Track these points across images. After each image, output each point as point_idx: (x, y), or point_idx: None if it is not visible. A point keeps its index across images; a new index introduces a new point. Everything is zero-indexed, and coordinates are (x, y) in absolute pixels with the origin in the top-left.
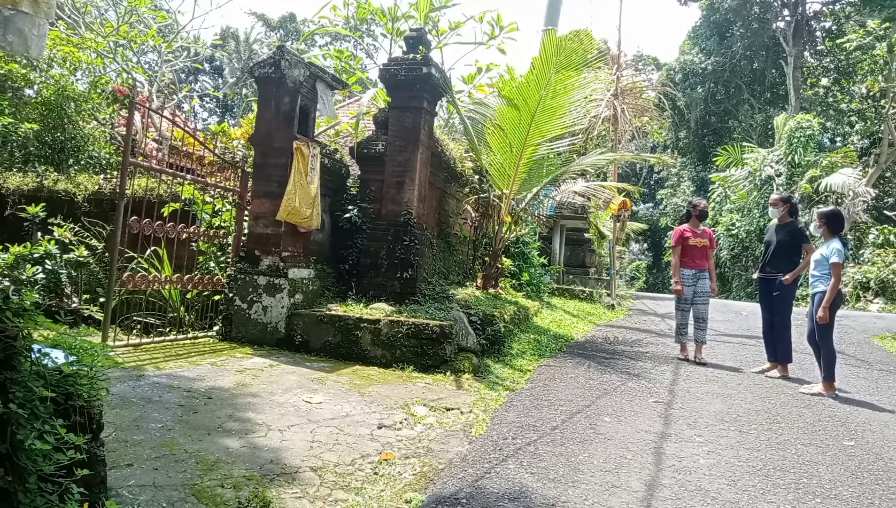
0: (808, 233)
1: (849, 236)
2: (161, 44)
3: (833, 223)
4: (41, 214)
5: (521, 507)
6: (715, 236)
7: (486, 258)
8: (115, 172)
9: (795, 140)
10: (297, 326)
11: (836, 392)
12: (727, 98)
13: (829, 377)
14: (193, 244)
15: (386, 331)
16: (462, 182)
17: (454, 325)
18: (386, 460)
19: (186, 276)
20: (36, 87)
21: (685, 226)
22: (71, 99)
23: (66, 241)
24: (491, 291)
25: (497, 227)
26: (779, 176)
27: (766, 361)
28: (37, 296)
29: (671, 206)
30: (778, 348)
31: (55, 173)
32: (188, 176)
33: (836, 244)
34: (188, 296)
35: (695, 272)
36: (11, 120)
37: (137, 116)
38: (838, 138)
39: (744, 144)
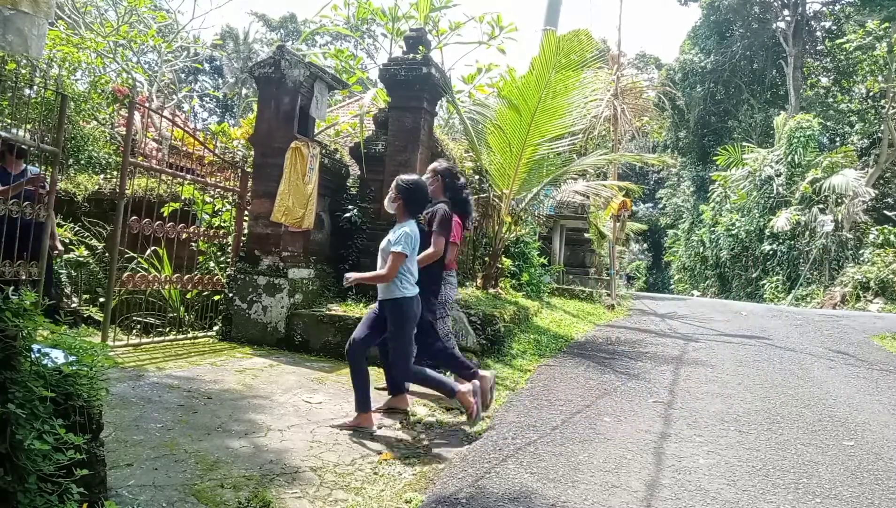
0: (445, 216)
1: (847, 237)
2: (161, 44)
3: (412, 199)
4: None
5: (521, 507)
6: (460, 223)
7: (486, 258)
8: (115, 172)
9: (795, 140)
10: (296, 326)
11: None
12: (727, 98)
13: (361, 407)
14: (193, 244)
15: None
16: None
17: (454, 325)
18: (386, 460)
19: (186, 276)
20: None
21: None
22: (70, 99)
23: (66, 241)
24: (491, 291)
25: (497, 227)
26: (778, 176)
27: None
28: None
29: (671, 206)
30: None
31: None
32: (188, 176)
33: (407, 228)
34: (188, 296)
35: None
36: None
37: (137, 116)
38: (838, 138)
39: (744, 144)
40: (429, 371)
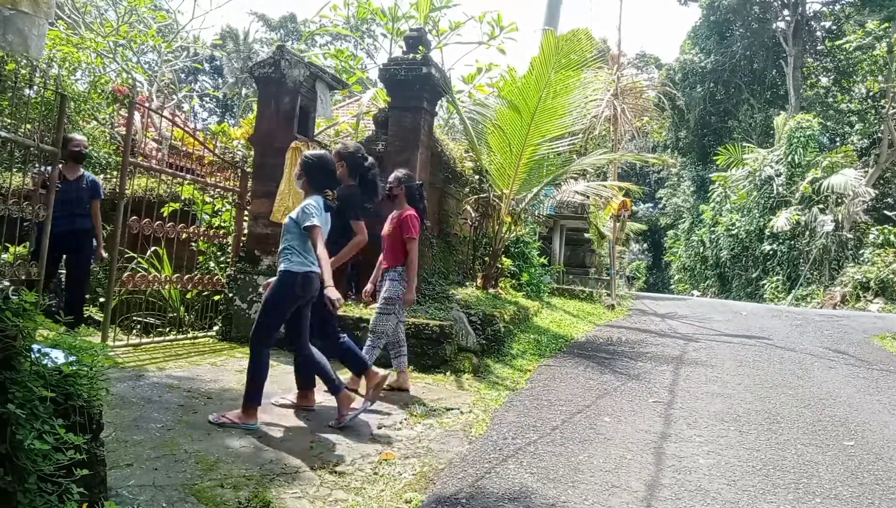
0: (363, 202)
1: (847, 237)
2: (161, 44)
3: (313, 173)
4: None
5: (521, 507)
6: (416, 217)
7: (486, 258)
8: (115, 172)
9: (795, 140)
10: None
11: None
12: (727, 98)
13: (251, 401)
14: (193, 244)
15: None
16: (462, 182)
17: (454, 325)
18: (386, 460)
19: (186, 276)
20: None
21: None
22: (70, 99)
23: None
24: (491, 291)
25: (497, 227)
26: (779, 176)
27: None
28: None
29: (671, 206)
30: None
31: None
32: (188, 176)
33: (311, 200)
34: (188, 296)
35: (383, 273)
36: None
37: (137, 116)
38: (838, 138)
39: (744, 144)
40: (265, 365)
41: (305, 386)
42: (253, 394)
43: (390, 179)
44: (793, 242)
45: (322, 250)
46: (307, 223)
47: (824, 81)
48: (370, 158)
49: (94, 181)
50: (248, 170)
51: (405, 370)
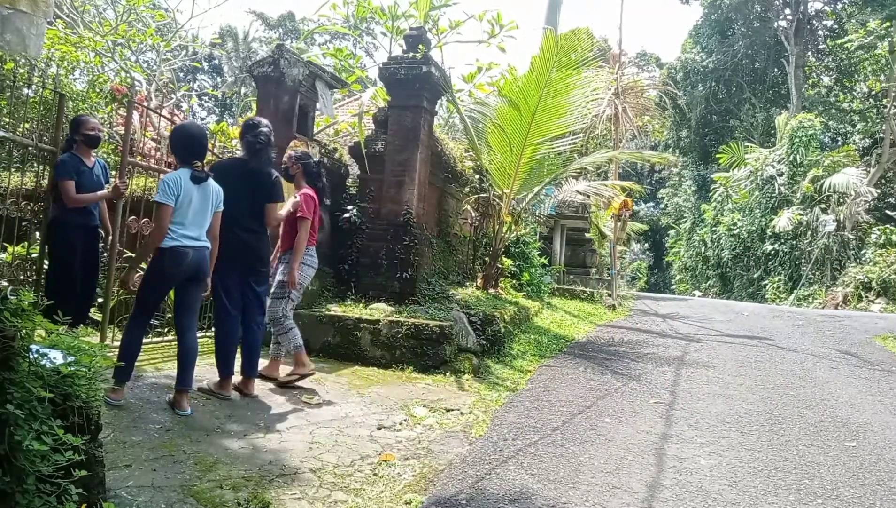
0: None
1: (849, 237)
2: (159, 43)
3: (175, 146)
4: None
5: None
6: (312, 196)
7: (486, 258)
8: (114, 172)
9: (797, 139)
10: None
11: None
12: (728, 97)
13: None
14: None
15: (385, 331)
16: (462, 182)
17: (454, 325)
18: (385, 461)
19: None
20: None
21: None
22: (69, 98)
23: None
24: (491, 291)
25: (497, 227)
26: (780, 176)
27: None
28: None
29: (672, 206)
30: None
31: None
32: None
33: (170, 174)
34: None
35: (280, 256)
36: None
37: (136, 116)
38: (840, 138)
39: (745, 143)
40: (133, 340)
41: (229, 372)
42: (118, 370)
43: (285, 157)
44: (795, 242)
45: (155, 229)
46: (157, 197)
47: (826, 80)
48: (264, 131)
49: (104, 166)
50: None
51: (279, 359)
